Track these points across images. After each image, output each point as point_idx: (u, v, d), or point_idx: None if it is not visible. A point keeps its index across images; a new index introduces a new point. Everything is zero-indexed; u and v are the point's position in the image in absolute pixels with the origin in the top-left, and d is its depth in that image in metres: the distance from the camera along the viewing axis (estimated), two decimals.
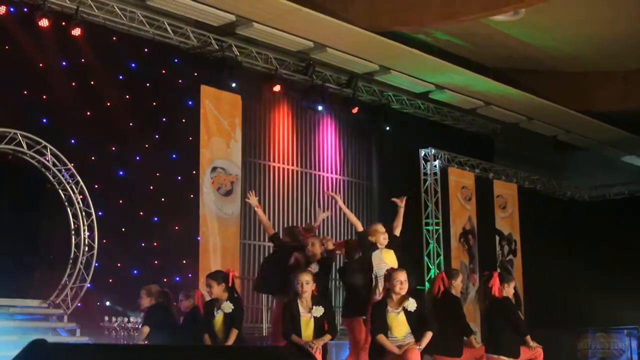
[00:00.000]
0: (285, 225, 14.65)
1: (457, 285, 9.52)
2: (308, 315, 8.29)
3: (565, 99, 17.45)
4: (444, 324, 8.83)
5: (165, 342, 8.66)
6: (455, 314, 9.25)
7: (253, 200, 10.26)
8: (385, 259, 9.17)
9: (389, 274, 8.31)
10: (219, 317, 8.50)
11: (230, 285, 8.58)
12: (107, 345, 5.75)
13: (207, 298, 8.80)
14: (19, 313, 10.66)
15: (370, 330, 8.28)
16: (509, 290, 9.44)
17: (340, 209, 9.83)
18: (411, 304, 8.15)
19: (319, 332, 8.30)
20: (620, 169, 20.34)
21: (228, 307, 8.47)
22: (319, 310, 8.33)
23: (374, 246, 9.19)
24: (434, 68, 15.56)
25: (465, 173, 17.32)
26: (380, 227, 9.36)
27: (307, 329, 8.29)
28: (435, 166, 16.71)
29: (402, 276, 8.20)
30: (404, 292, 8.14)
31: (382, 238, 9.26)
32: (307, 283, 8.35)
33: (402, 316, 8.15)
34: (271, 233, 10.22)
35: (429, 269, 16.24)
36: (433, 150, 16.72)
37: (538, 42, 15.81)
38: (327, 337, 8.35)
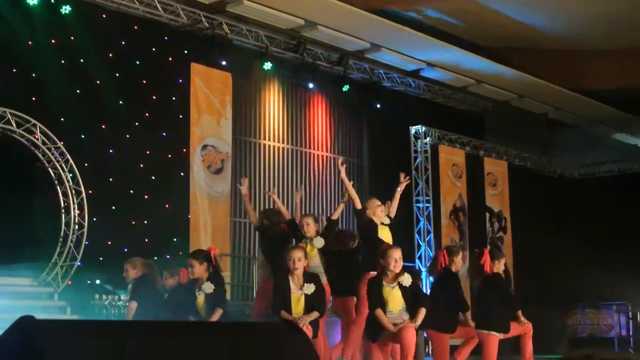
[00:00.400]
0: (276, 204, 14.68)
1: (458, 262, 9.55)
2: (299, 292, 8.27)
3: (556, 76, 17.46)
4: (441, 300, 8.92)
5: (150, 315, 8.67)
6: (453, 291, 9.29)
7: (244, 188, 10.19)
8: (382, 235, 9.18)
9: (384, 252, 8.31)
10: (200, 298, 8.45)
11: (213, 263, 8.54)
12: (95, 321, 5.73)
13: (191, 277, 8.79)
14: (9, 291, 10.66)
15: (368, 305, 8.29)
16: (499, 267, 9.47)
17: (343, 182, 9.73)
18: (406, 279, 8.12)
19: (309, 310, 8.26)
20: (610, 146, 20.39)
21: (209, 287, 8.41)
22: (310, 288, 8.28)
23: (372, 223, 9.16)
24: (425, 46, 15.54)
25: (456, 151, 17.35)
26: (377, 201, 9.33)
27: (298, 306, 8.26)
28: (426, 144, 16.73)
29: (397, 254, 8.19)
30: (398, 269, 8.14)
31: (380, 211, 9.23)
32: (299, 260, 8.30)
33: (397, 291, 8.13)
34: (256, 223, 10.14)
35: (419, 246, 16.29)
36: (424, 128, 16.74)
37: (530, 20, 15.79)
38: (315, 314, 8.29)
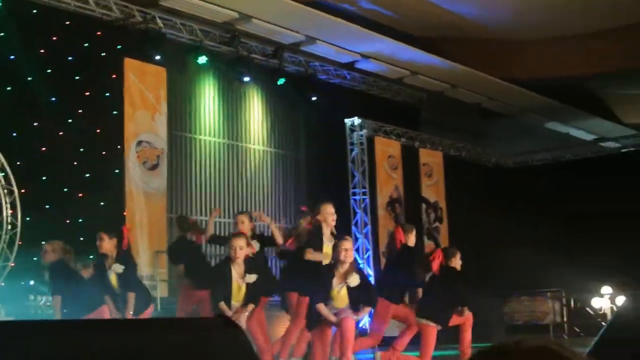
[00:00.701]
0: (214, 201, 14.65)
1: (412, 238, 9.63)
2: (240, 281, 8.22)
3: (488, 66, 17.65)
4: (438, 295, 9.20)
5: (70, 299, 8.59)
6: (453, 286, 9.39)
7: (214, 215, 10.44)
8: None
9: (335, 244, 8.33)
10: (113, 278, 8.51)
11: (125, 244, 8.59)
12: (25, 321, 5.62)
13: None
14: None
15: (312, 299, 8.33)
16: (456, 262, 9.60)
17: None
18: (353, 280, 8.14)
19: (250, 299, 8.28)
20: (543, 135, 20.68)
21: (118, 268, 8.41)
22: (251, 278, 8.25)
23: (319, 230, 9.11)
24: (359, 38, 15.58)
25: (392, 142, 17.46)
26: (330, 208, 9.23)
27: (239, 295, 8.24)
28: (362, 136, 16.80)
29: (347, 244, 8.24)
30: (349, 259, 8.18)
31: (331, 220, 9.15)
32: (240, 248, 8.25)
33: (344, 291, 8.18)
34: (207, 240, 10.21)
35: (356, 239, 16.36)
36: (359, 120, 16.80)
37: (461, 9, 15.95)
38: (251, 307, 8.31)
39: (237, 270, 8.26)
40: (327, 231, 9.03)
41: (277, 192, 16.39)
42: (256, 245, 9.15)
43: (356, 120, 16.75)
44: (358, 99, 17.50)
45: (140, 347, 2.79)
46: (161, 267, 12.52)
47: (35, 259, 10.39)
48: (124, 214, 12.50)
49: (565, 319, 17.67)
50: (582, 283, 16.67)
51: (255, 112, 16.21)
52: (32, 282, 11.23)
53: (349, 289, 8.17)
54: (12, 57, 12.00)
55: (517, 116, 20.23)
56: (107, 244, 8.58)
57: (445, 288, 9.34)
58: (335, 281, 8.19)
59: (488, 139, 20.59)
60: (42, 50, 12.48)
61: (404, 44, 16.16)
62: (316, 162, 16.35)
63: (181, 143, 14.76)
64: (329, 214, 9.08)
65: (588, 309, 17.49)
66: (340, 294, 8.18)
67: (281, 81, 15.76)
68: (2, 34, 11.91)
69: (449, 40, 17.46)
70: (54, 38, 12.72)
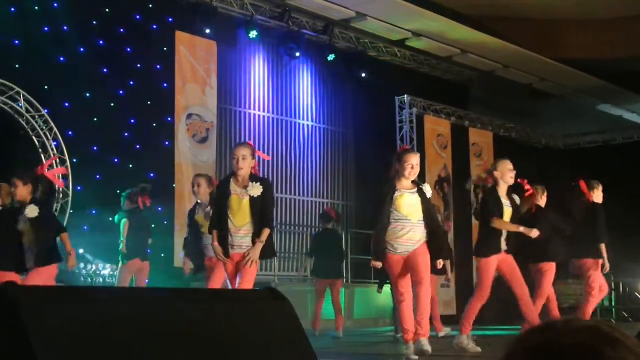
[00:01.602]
0: (263, 174, 14.66)
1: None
2: (242, 193, 6.87)
3: (541, 46, 17.43)
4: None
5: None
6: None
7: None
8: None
9: (400, 155, 7.39)
10: (25, 226, 7.51)
11: (41, 188, 7.66)
12: (77, 288, 5.64)
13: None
14: None
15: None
16: (598, 195, 9.67)
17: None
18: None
19: (255, 218, 6.83)
20: (595, 117, 20.41)
21: (33, 211, 7.45)
22: (256, 189, 6.85)
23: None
24: (411, 15, 15.47)
25: (441, 121, 17.34)
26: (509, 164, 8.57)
27: (240, 212, 6.83)
28: (412, 114, 16.71)
29: (415, 159, 7.31)
30: (414, 176, 7.26)
31: (509, 177, 8.54)
32: (244, 158, 6.88)
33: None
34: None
35: None
36: (409, 98, 16.70)
37: None
38: (265, 236, 6.82)
39: (238, 184, 6.91)
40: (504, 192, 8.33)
41: (325, 169, 16.39)
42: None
43: (406, 98, 16.66)
44: (408, 76, 17.41)
45: (186, 318, 2.81)
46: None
47: (85, 227, 10.52)
48: (174, 185, 12.60)
49: (613, 303, 17.47)
50: (631, 267, 16.43)
51: (305, 87, 16.22)
52: (81, 251, 11.37)
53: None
54: (65, 28, 12.11)
55: (569, 97, 19.98)
56: (22, 191, 7.56)
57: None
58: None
59: (538, 120, 20.37)
60: (94, 22, 12.59)
61: (455, 22, 16.03)
62: (365, 140, 16.31)
63: (230, 117, 14.82)
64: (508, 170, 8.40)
65: (637, 293, 17.27)
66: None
67: (331, 57, 15.73)
68: (55, 5, 12.01)
69: (500, 19, 17.27)
70: (107, 10, 12.81)
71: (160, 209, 12.44)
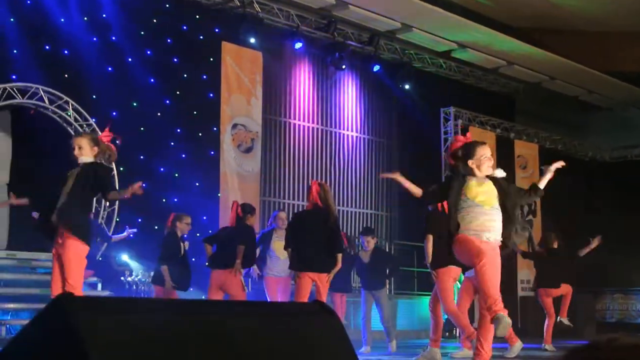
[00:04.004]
0: (304, 184, 14.70)
1: None
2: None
3: (588, 58, 17.28)
4: None
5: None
6: None
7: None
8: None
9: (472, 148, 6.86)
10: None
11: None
12: (131, 299, 5.72)
13: None
14: (41, 267, 10.76)
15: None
16: None
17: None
18: None
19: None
20: None
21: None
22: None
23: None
24: (456, 26, 15.43)
25: (486, 133, 17.24)
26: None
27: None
28: (457, 125, 16.63)
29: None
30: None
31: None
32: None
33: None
34: None
35: None
36: (454, 110, 16.63)
37: (562, 1, 15.63)
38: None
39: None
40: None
41: (368, 179, 16.37)
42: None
43: (451, 110, 16.59)
44: (453, 88, 17.35)
45: (240, 329, 2.82)
46: None
47: (131, 236, 10.60)
48: (218, 195, 12.66)
49: None
50: None
51: (349, 98, 16.22)
52: (127, 259, 11.44)
53: None
54: (113, 38, 12.25)
55: (616, 109, 19.77)
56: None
57: None
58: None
59: (585, 132, 20.18)
60: (142, 33, 12.71)
61: (501, 34, 15.95)
62: (409, 150, 16.27)
63: (275, 127, 14.88)
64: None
65: None
66: None
67: (376, 68, 15.74)
68: (104, 15, 12.16)
69: (547, 31, 17.14)
70: (154, 20, 12.93)
71: (205, 217, 12.53)
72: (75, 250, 6.48)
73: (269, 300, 9.62)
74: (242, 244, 9.07)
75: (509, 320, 6.09)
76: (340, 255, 8.44)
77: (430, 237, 8.57)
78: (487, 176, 6.56)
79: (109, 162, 7.13)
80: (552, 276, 11.45)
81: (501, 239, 6.42)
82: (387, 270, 11.06)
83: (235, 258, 9.03)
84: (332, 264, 8.38)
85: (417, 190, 6.79)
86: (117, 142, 7.12)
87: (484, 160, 6.53)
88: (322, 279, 8.36)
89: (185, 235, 9.71)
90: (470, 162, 6.52)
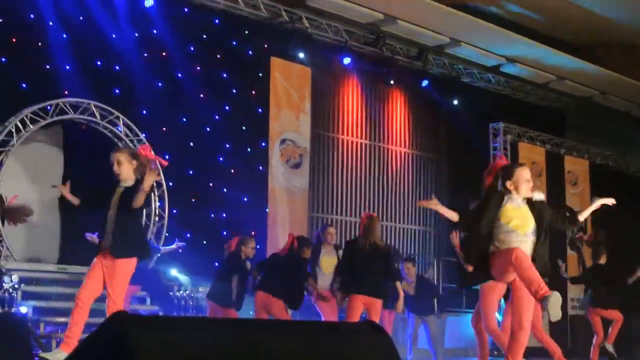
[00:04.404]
0: (355, 201, 14.67)
1: None
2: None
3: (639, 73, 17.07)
4: None
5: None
6: None
7: None
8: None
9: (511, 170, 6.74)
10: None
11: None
12: (185, 318, 5.78)
13: None
14: None
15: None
16: None
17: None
18: None
19: None
20: None
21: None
22: None
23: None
24: (505, 41, 15.33)
25: (536, 148, 17.08)
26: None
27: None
28: (506, 141, 16.50)
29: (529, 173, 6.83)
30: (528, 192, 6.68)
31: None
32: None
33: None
34: None
35: None
36: (503, 125, 16.50)
37: (613, 14, 15.45)
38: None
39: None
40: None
41: (417, 195, 16.28)
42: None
43: (500, 125, 16.47)
44: (502, 102, 17.23)
45: (296, 348, 2.81)
46: None
47: (180, 251, 10.65)
48: (267, 210, 12.68)
49: None
50: None
51: (398, 113, 16.17)
52: (176, 273, 11.49)
53: None
54: (163, 53, 12.35)
55: None
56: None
57: None
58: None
59: (637, 148, 19.89)
60: (192, 48, 12.80)
61: (550, 48, 15.82)
62: (458, 166, 16.16)
63: (324, 142, 14.87)
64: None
65: None
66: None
67: (425, 83, 15.68)
68: (154, 31, 12.26)
69: (598, 46, 16.95)
70: (204, 36, 13.02)
71: (253, 232, 12.55)
72: (123, 266, 6.51)
73: (322, 316, 9.69)
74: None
75: (558, 296, 5.93)
76: (399, 284, 9.17)
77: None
78: (528, 200, 6.50)
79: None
80: (602, 295, 11.30)
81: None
82: (434, 302, 11.05)
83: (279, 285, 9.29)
84: (387, 292, 8.77)
85: (453, 215, 6.68)
86: (164, 162, 7.11)
87: (523, 182, 6.47)
88: (374, 305, 8.49)
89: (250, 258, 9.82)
90: (508, 184, 6.48)
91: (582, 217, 6.72)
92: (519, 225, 6.43)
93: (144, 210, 7.95)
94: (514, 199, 6.51)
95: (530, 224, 6.45)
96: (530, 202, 6.55)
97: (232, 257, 9.74)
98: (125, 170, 6.71)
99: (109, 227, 6.59)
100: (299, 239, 9.67)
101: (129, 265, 6.54)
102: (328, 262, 9.76)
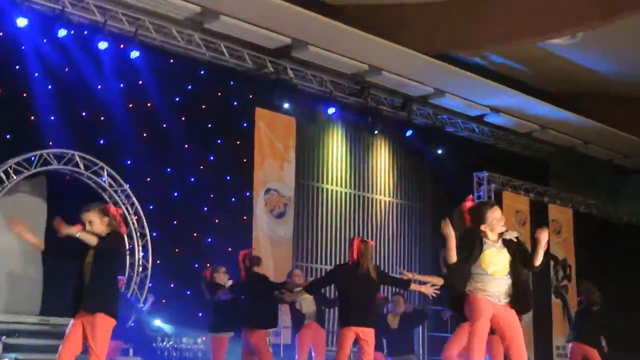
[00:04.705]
0: (339, 250, 14.65)
1: None
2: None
3: (623, 123, 17.20)
4: None
5: None
6: None
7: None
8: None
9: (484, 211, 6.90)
10: None
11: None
12: None
13: None
14: None
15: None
16: None
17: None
18: None
19: None
20: None
21: None
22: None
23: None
24: (489, 91, 15.47)
25: (520, 197, 17.15)
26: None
27: None
28: (490, 190, 16.56)
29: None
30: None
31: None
32: None
33: None
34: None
35: None
36: (487, 174, 16.58)
37: (596, 66, 15.61)
38: None
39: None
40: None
41: (401, 244, 16.28)
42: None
43: (484, 174, 16.54)
44: (486, 152, 17.33)
45: None
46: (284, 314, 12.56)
47: (164, 301, 10.60)
48: None
49: None
50: None
51: (383, 163, 16.22)
52: (159, 324, 11.41)
53: None
54: (148, 104, 12.37)
55: None
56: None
57: None
58: None
59: (620, 196, 19.98)
60: (177, 98, 12.83)
61: (533, 98, 15.96)
62: (442, 215, 16.00)
63: (308, 192, 14.88)
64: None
65: None
66: None
67: (409, 133, 15.75)
68: (140, 82, 12.30)
69: (581, 96, 17.09)
70: (189, 87, 13.07)
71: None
72: (103, 324, 6.49)
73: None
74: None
75: None
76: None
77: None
78: (503, 239, 6.65)
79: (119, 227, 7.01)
80: (590, 332, 11.20)
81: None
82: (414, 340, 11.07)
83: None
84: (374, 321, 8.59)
85: (437, 280, 7.08)
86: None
87: (496, 224, 6.64)
88: (367, 334, 8.37)
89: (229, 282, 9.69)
90: (483, 227, 6.64)
91: (537, 262, 6.80)
92: (497, 270, 6.58)
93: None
94: (491, 244, 6.62)
95: (507, 267, 6.61)
96: (508, 244, 6.68)
97: (210, 286, 9.66)
98: (97, 229, 6.71)
99: (87, 284, 6.56)
100: (249, 258, 9.50)
101: (108, 322, 6.52)
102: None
